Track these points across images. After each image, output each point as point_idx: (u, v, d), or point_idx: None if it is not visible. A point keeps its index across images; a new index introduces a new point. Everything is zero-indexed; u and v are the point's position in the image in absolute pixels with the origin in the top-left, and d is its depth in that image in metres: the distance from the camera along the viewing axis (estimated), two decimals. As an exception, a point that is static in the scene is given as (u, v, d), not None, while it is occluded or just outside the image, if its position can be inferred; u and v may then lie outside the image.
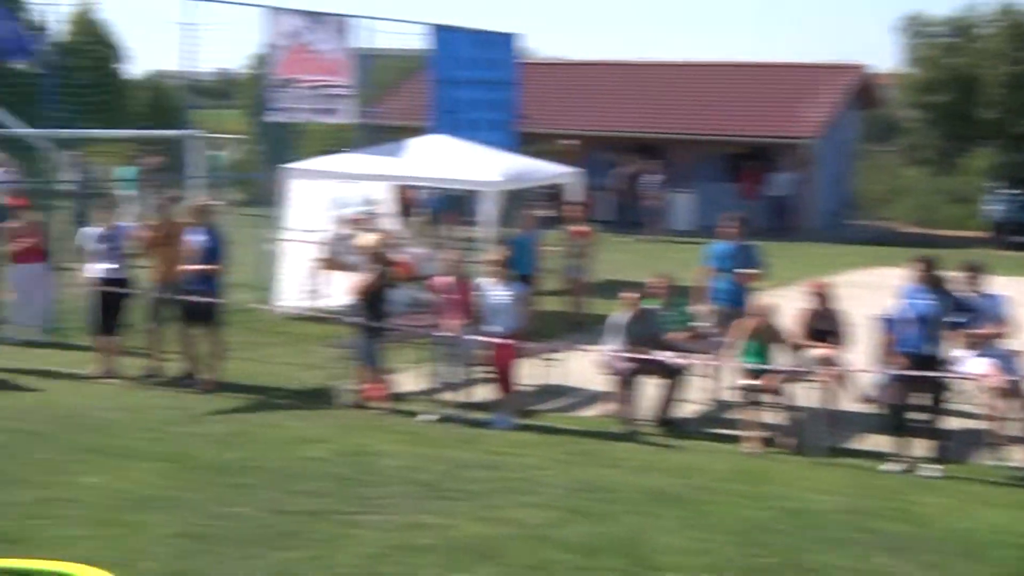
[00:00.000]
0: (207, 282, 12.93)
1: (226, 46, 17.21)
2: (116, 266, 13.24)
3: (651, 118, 32.36)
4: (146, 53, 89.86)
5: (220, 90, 47.12)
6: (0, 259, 14.96)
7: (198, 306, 12.82)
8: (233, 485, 9.51)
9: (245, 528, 8.51)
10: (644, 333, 12.09)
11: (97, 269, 13.26)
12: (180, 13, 16.42)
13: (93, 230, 13.48)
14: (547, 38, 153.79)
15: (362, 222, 16.28)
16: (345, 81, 18.25)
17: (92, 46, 37.46)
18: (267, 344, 15.26)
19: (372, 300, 12.33)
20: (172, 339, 13.41)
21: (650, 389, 12.18)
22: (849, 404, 12.00)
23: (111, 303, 13.21)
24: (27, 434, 10.71)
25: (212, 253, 12.98)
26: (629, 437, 11.72)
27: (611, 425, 11.97)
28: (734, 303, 13.21)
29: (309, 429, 11.50)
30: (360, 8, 22.47)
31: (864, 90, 34.11)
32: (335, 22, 18.12)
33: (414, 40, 20.10)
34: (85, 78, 25.89)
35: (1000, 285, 12.60)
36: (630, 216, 29.69)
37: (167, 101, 40.06)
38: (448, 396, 12.42)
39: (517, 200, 17.93)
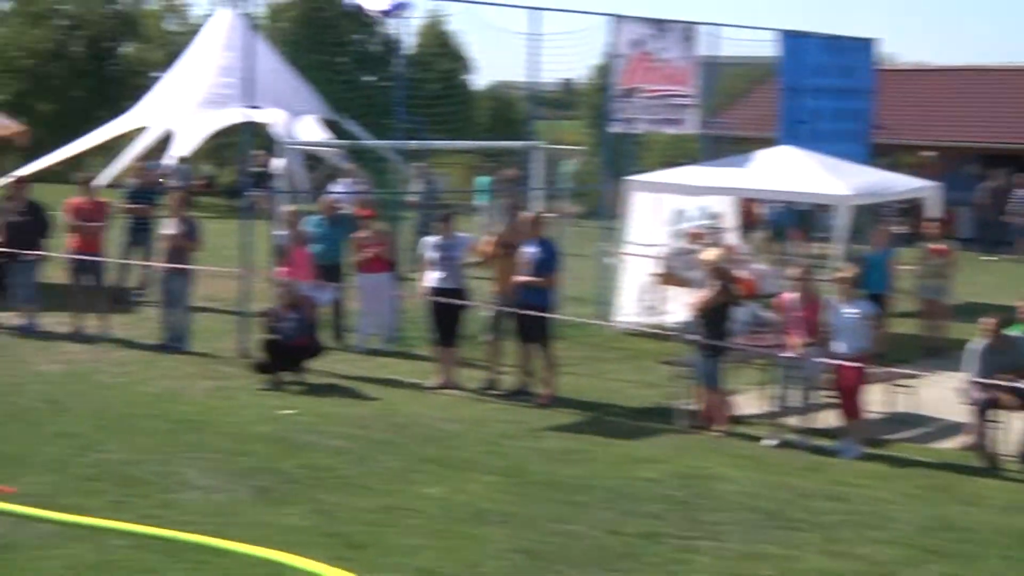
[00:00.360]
0: (540, 295, 13.22)
1: (569, 56, 17.46)
2: (450, 276, 13.74)
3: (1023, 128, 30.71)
4: (489, 63, 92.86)
5: (562, 100, 48.15)
6: (347, 269, 15.83)
7: (530, 319, 13.13)
8: (568, 502, 9.69)
9: (580, 547, 8.66)
10: (1007, 362, 11.49)
11: (432, 279, 13.83)
12: (525, 23, 16.89)
13: (431, 239, 14.07)
14: (908, 43, 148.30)
15: (703, 236, 16.24)
16: (690, 90, 18.27)
17: (440, 58, 39.12)
18: (604, 360, 15.45)
19: (713, 317, 12.27)
20: (510, 351, 13.79)
21: (1016, 422, 11.55)
22: None
23: (446, 313, 13.73)
24: (370, 442, 11.28)
25: (545, 265, 13.26)
26: (991, 473, 11.15)
27: (970, 459, 11.43)
28: (1116, 332, 12.33)
29: (645, 449, 11.57)
30: (706, 15, 22.45)
31: None
32: (681, 29, 18.17)
33: (762, 47, 19.89)
34: (433, 90, 27.08)
35: None
36: (995, 234, 28.26)
37: (509, 112, 41.30)
38: (791, 420, 12.20)
39: (870, 215, 17.42)
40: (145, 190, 18.54)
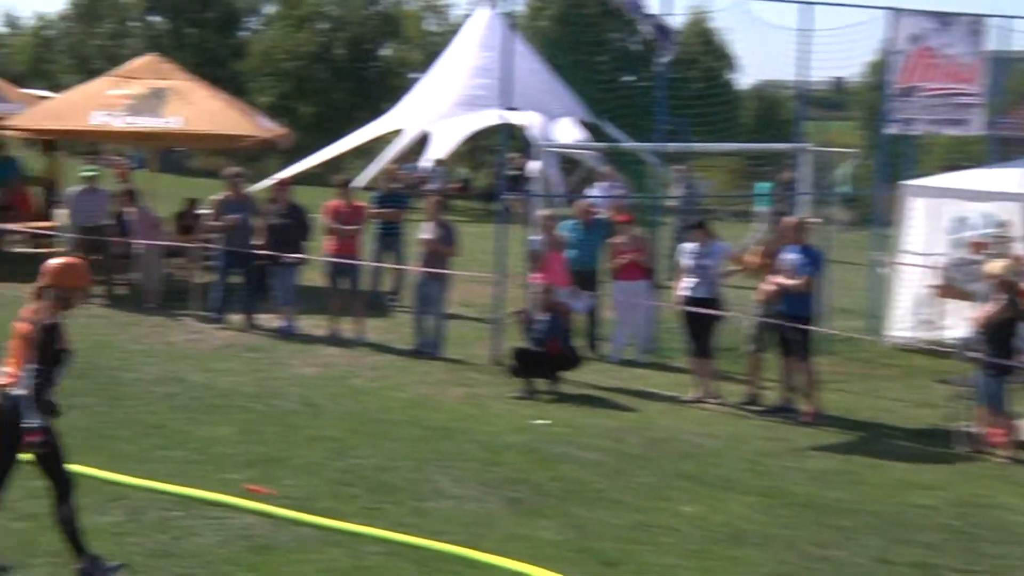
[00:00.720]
0: (801, 305, 12.98)
1: (841, 52, 17.17)
2: (704, 285, 13.63)
3: None
4: (755, 61, 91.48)
5: (833, 100, 47.27)
6: (603, 275, 15.90)
7: (790, 331, 12.93)
8: (832, 527, 9.51)
9: (844, 575, 8.48)
10: None
11: (685, 287, 13.76)
12: (794, 18, 16.66)
13: (687, 246, 14.00)
14: None
15: (988, 246, 15.66)
16: (976, 88, 17.64)
17: (704, 56, 38.96)
18: (875, 376, 15.07)
19: (998, 334, 11.84)
20: (772, 365, 13.60)
21: None
22: None
23: (698, 324, 13.63)
24: (625, 456, 11.32)
25: (806, 272, 13.00)
26: None
27: None
28: None
29: (919, 473, 11.24)
30: (996, 6, 21.62)
31: None
32: (967, 23, 17.56)
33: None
34: (696, 89, 26.96)
35: None
36: None
37: (775, 112, 40.76)
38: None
39: None
40: (394, 194, 18.96)
